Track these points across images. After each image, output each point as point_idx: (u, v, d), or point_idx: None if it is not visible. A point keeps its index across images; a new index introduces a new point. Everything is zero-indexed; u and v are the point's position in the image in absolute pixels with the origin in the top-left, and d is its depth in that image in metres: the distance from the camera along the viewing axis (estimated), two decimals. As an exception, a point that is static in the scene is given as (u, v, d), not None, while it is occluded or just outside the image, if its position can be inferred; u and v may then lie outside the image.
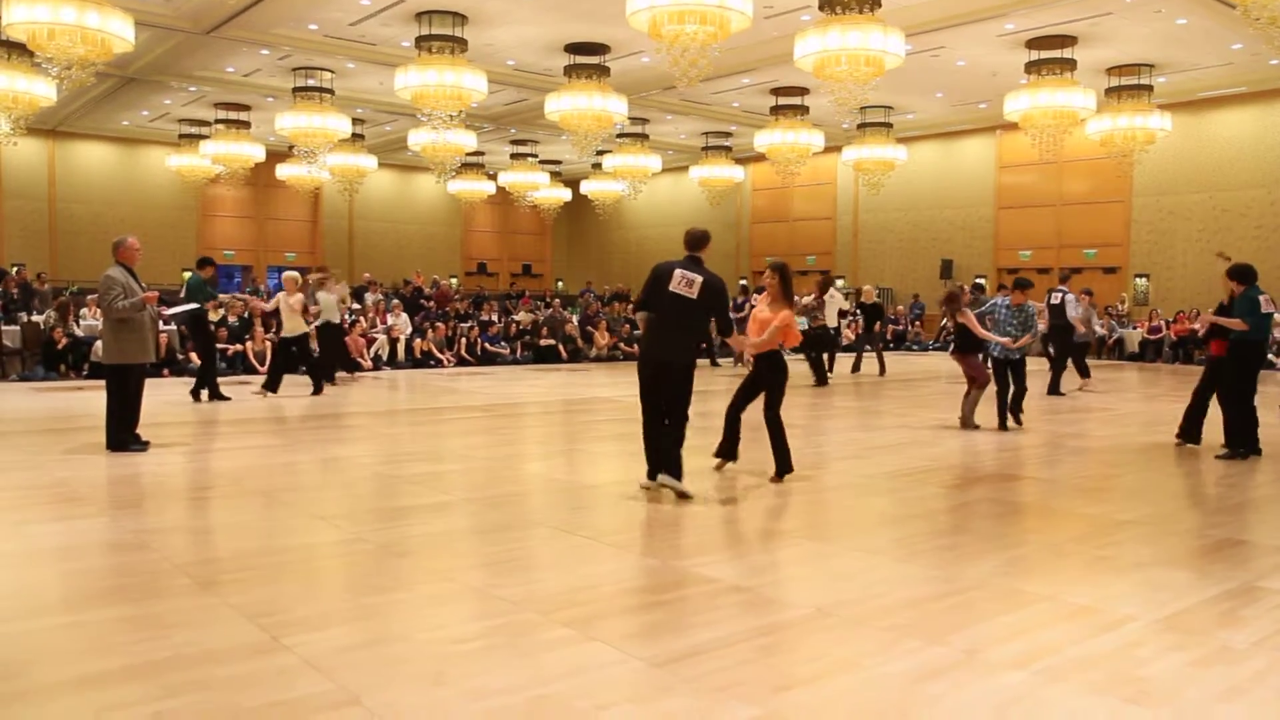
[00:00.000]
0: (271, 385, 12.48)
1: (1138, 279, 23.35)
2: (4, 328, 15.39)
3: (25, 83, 16.26)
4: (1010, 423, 10.09)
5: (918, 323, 26.36)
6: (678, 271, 6.49)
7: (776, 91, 22.01)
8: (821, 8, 14.42)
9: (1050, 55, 17.98)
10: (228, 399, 11.94)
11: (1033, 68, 18.17)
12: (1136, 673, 3.50)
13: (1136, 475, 7.68)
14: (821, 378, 14.78)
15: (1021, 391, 10.14)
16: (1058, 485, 7.25)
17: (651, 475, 6.56)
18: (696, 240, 6.64)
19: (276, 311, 13.42)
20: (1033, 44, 17.86)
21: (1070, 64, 18.00)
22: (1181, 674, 3.50)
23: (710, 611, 4.11)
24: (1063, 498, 6.82)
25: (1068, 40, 17.61)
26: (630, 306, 21.82)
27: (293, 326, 12.80)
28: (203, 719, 3.02)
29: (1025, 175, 25.18)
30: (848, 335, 23.43)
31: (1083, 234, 24.32)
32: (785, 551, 5.21)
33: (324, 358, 14.62)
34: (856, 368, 17.31)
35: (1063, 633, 3.91)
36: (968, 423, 9.99)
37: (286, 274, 13.31)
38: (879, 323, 17.76)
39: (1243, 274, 8.40)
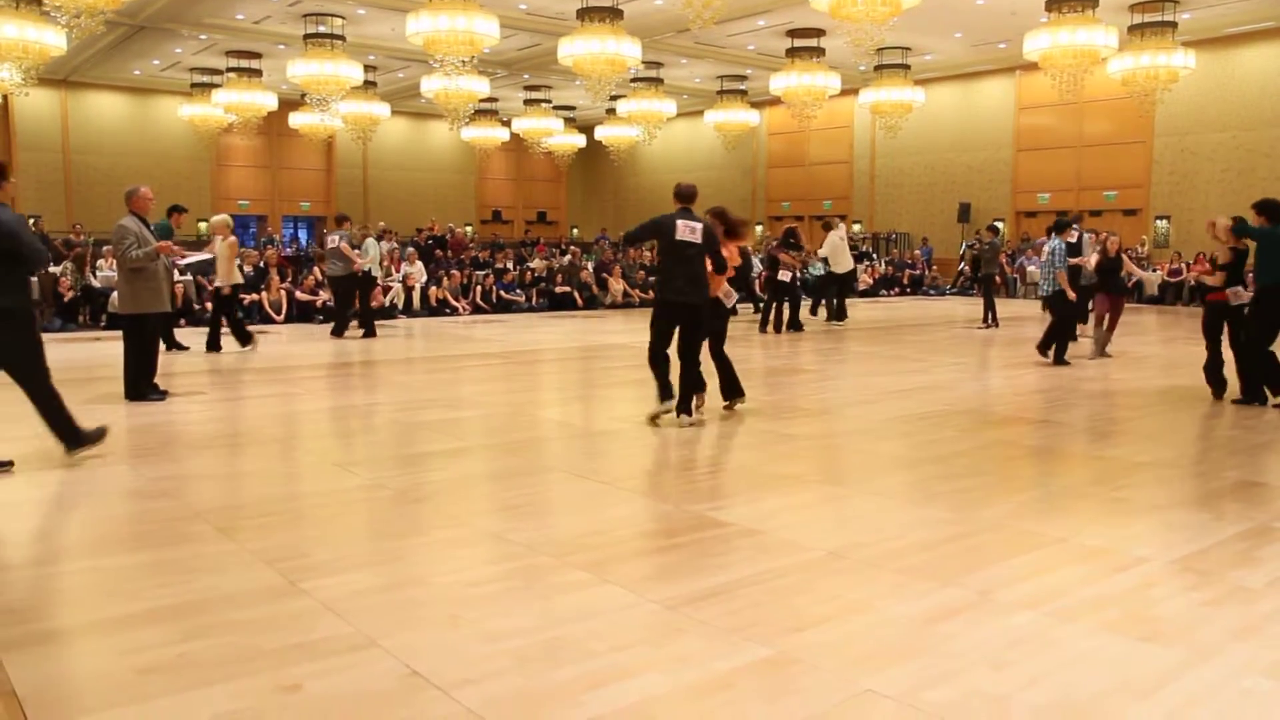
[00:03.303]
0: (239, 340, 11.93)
1: (1158, 221, 23.04)
2: (22, 279, 15.43)
3: (35, 32, 16.09)
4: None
5: (935, 267, 26.15)
6: (680, 222, 6.97)
7: (792, 33, 21.63)
8: (838, -55, 14.13)
9: (1072, -8, 17.59)
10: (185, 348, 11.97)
11: (1053, 5, 17.76)
12: (1150, 612, 3.50)
13: (1154, 418, 7.64)
14: (793, 323, 14.70)
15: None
16: (1074, 428, 7.23)
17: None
18: (689, 193, 7.16)
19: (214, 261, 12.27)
20: (1054, -19, 17.48)
21: (1092, 1, 17.59)
22: (1195, 613, 3.50)
23: (723, 555, 4.13)
24: (1079, 441, 6.81)
25: (1090, -24, 17.23)
26: (647, 253, 21.62)
27: (226, 276, 11.89)
28: (224, 661, 3.07)
29: (1045, 117, 24.77)
30: (865, 280, 23.35)
31: (1103, 176, 23.95)
32: (799, 495, 5.22)
33: (363, 309, 14.26)
34: (817, 312, 16.61)
35: (1076, 574, 3.92)
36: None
37: (215, 219, 12.49)
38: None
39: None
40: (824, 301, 16.72)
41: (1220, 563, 4.05)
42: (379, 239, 20.50)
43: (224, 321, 12.12)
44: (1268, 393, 8.11)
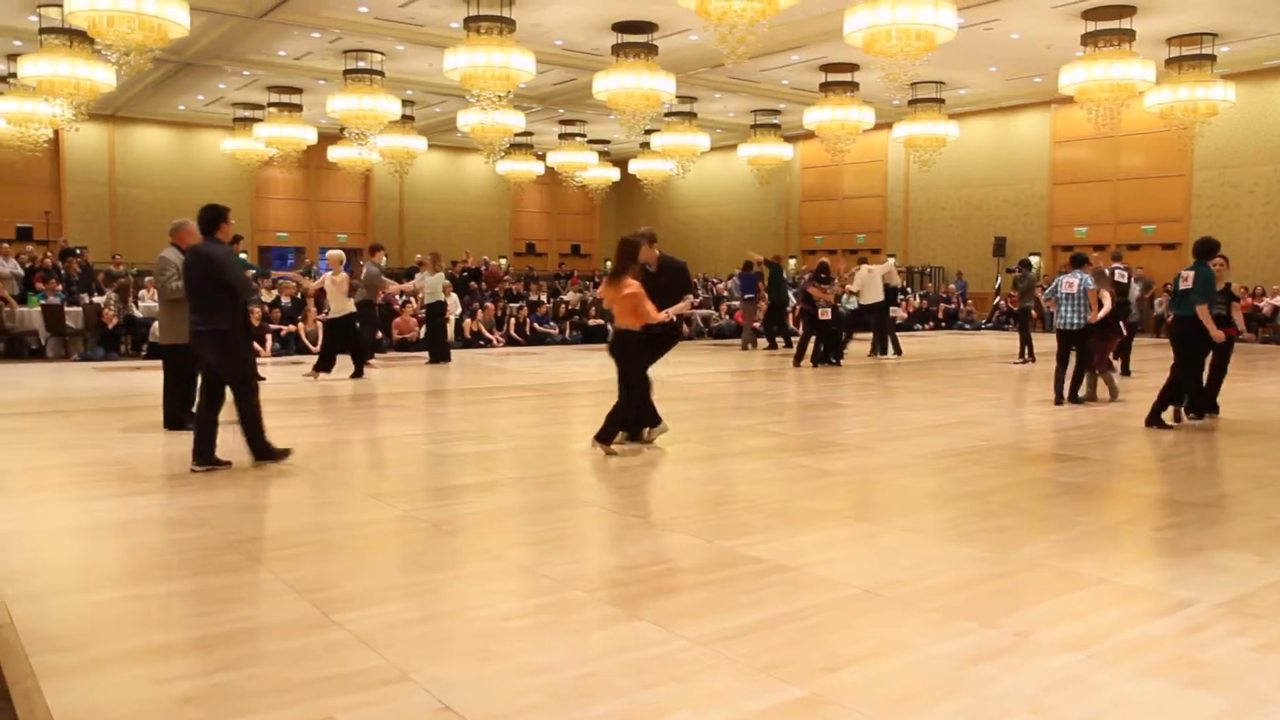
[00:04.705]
0: (323, 366, 12.45)
1: (1199, 255, 22.74)
2: (66, 308, 15.75)
3: (86, 69, 16.63)
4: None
5: (969, 301, 25.98)
6: None
7: (826, 68, 21.73)
8: (872, -19, 14.17)
9: (1108, 26, 17.52)
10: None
11: (1089, 39, 17.72)
12: (1196, 657, 3.42)
13: (1195, 455, 7.51)
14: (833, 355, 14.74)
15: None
16: (1112, 465, 7.12)
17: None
18: None
19: (323, 292, 13.15)
20: (1089, 14, 17.41)
21: (1129, 35, 17.51)
22: (1244, 659, 3.41)
23: (756, 591, 4.09)
24: (1118, 478, 6.70)
25: (1126, 10, 17.14)
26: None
27: (339, 307, 12.54)
28: (258, 692, 3.07)
29: (1081, 150, 24.64)
30: (899, 314, 23.19)
31: (1141, 210, 23.75)
32: (833, 531, 5.17)
33: (431, 339, 15.15)
34: (883, 349, 16.63)
35: (1118, 616, 3.84)
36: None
37: (332, 253, 13.21)
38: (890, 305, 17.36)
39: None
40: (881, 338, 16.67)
41: (1269, 607, 3.94)
42: (413, 271, 20.76)
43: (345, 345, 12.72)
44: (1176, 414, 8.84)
